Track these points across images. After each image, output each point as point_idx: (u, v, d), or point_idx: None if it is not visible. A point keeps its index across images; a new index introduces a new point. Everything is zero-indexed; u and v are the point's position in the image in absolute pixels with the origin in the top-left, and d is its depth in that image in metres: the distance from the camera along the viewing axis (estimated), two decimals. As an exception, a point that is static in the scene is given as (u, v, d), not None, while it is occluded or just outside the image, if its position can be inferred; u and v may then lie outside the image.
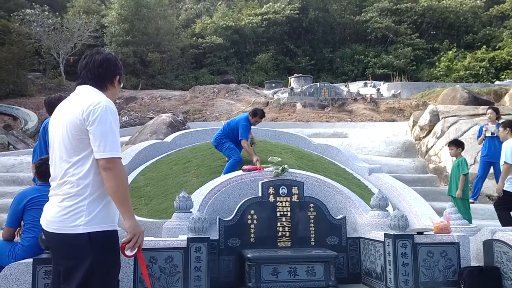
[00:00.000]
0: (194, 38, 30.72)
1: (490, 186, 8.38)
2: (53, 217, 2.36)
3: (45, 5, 24.61)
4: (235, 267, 5.25)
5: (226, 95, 20.78)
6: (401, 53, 30.77)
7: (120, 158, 2.38)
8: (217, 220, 5.34)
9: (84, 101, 2.38)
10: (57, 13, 24.89)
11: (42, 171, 4.15)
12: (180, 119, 11.59)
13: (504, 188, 6.24)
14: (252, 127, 7.21)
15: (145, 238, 4.56)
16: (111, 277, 2.42)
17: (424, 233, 4.98)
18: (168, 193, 6.63)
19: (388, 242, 4.84)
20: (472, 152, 9.01)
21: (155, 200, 6.58)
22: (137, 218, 5.95)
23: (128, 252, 2.41)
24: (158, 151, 8.68)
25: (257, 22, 31.35)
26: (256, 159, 6.65)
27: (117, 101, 20.83)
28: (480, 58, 27.62)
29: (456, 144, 6.70)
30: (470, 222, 6.31)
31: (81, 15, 26.36)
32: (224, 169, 6.50)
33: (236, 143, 6.87)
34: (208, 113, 16.97)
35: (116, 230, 2.46)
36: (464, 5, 32.63)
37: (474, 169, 9.03)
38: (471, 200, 8.00)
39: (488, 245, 4.94)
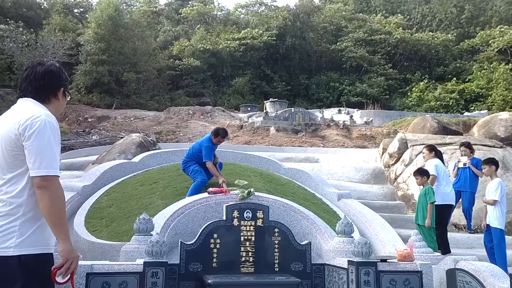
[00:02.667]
0: (172, 60, 30.71)
1: (456, 215, 8.46)
2: None
3: (20, 21, 24.28)
4: (196, 293, 5.06)
5: (201, 117, 20.71)
6: (375, 82, 31.47)
7: (57, 176, 2.24)
8: (179, 244, 5.18)
9: (22, 114, 2.24)
10: (32, 29, 24.56)
11: None
12: (151, 139, 11.40)
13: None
14: (220, 149, 7.15)
15: (99, 262, 4.37)
16: None
17: (388, 260, 4.93)
18: (131, 215, 6.42)
19: (352, 269, 4.76)
20: (439, 181, 9.11)
21: (116, 221, 6.37)
22: (95, 240, 5.71)
23: (59, 279, 2.22)
24: (125, 171, 8.47)
25: (235, 47, 31.65)
26: (222, 180, 6.56)
27: (89, 120, 20.48)
28: (450, 90, 28.48)
29: (421, 173, 6.76)
30: (436, 250, 6.31)
31: (56, 32, 26.07)
32: (189, 191, 6.37)
33: (203, 165, 6.76)
34: (181, 134, 16.82)
35: (51, 254, 2.29)
36: (435, 39, 33.81)
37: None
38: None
39: (451, 274, 4.92)
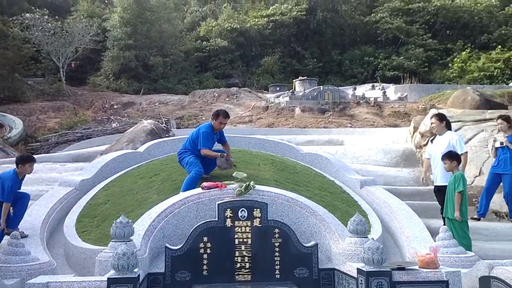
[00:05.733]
0: (199, 41, 30.06)
1: (497, 201, 7.43)
2: None
3: (45, 9, 24.21)
4: (184, 305, 4.45)
5: (227, 99, 20.04)
6: (413, 54, 29.71)
7: None
8: (164, 249, 4.57)
9: None
10: (57, 17, 24.44)
11: None
12: (164, 126, 10.84)
13: None
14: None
15: (57, 278, 3.80)
16: None
17: (406, 268, 4.11)
18: (125, 212, 5.86)
19: (361, 280, 3.99)
20: (477, 162, 8.03)
21: (108, 220, 5.81)
22: (79, 244, 5.13)
23: None
24: (129, 163, 7.95)
25: (263, 24, 30.60)
26: (220, 154, 5.99)
27: (115, 107, 20.24)
28: (495, 59, 26.39)
29: (450, 157, 5.74)
30: (469, 248, 5.40)
31: (82, 19, 25.94)
32: (182, 185, 5.72)
33: (201, 156, 6.09)
34: (203, 118, 16.21)
35: None
36: (478, 4, 31.45)
37: (480, 181, 8.11)
38: (476, 216, 7.08)
39: (485, 283, 4.06)
